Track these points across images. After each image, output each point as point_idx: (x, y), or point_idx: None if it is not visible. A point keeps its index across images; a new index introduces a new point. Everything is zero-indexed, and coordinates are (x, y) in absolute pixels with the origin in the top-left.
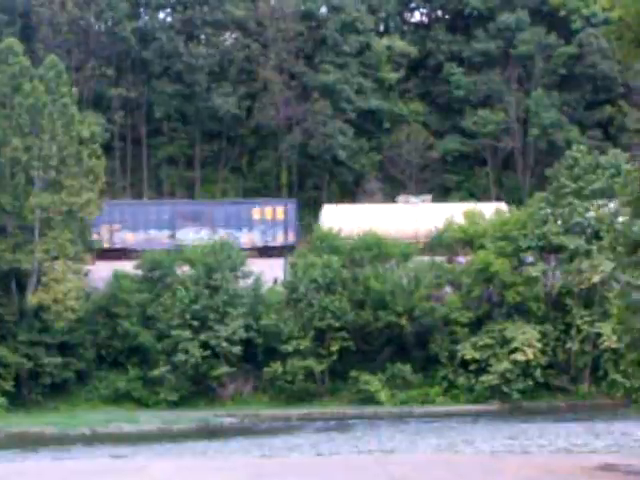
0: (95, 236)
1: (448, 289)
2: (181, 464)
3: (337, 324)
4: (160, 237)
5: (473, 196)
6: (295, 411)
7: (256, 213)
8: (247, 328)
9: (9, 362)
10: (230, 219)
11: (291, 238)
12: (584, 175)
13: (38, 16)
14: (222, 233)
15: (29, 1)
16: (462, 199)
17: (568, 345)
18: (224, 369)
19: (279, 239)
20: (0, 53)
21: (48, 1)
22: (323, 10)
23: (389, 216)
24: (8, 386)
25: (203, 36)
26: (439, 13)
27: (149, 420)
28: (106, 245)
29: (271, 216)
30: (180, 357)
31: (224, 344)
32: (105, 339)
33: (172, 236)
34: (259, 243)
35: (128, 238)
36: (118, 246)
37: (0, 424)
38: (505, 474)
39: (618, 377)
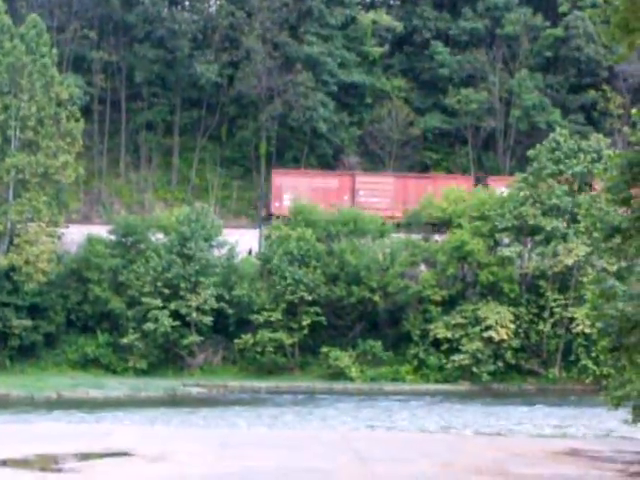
0: None
1: (423, 267)
2: (146, 431)
3: (310, 297)
4: None
5: (452, 174)
6: (264, 384)
7: None
8: (219, 298)
9: None
10: None
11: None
12: (565, 158)
13: None
14: None
15: None
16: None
17: (540, 328)
18: (194, 338)
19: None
20: None
21: None
22: None
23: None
24: None
25: (187, 2)
26: None
27: (116, 386)
28: None
29: None
30: (150, 325)
31: (194, 313)
32: (75, 304)
33: None
34: None
35: None
36: None
37: None
38: (470, 454)
39: (589, 363)
